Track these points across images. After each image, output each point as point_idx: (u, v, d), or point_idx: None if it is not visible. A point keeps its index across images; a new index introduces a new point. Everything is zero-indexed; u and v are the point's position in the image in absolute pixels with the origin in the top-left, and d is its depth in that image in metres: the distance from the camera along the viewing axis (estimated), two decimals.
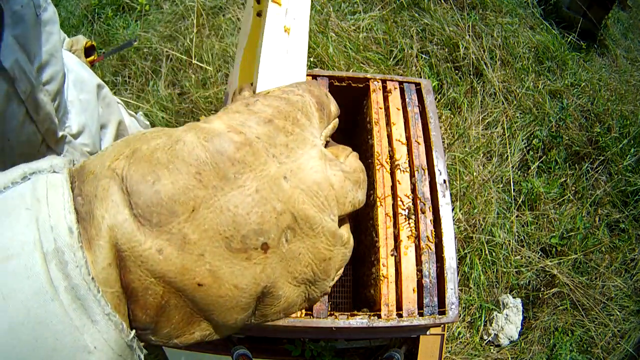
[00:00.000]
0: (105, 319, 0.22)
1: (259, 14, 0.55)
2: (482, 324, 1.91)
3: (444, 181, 1.18)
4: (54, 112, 0.92)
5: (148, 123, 1.43)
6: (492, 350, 1.89)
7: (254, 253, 0.22)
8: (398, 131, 1.25)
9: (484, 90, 2.43)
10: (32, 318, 0.21)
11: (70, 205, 0.22)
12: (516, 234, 2.07)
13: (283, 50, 0.32)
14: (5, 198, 0.23)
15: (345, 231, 0.28)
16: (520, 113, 2.41)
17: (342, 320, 0.98)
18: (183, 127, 0.25)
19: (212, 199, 0.21)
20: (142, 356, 0.25)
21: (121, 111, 1.26)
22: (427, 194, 1.16)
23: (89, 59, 1.47)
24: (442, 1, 2.72)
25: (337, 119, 0.29)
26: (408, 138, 1.24)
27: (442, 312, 1.03)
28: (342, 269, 0.28)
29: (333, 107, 0.29)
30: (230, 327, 0.27)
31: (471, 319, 1.93)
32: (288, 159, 0.23)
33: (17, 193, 0.23)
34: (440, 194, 1.16)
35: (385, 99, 1.31)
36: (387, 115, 1.28)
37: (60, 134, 0.96)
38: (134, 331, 0.24)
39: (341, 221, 0.27)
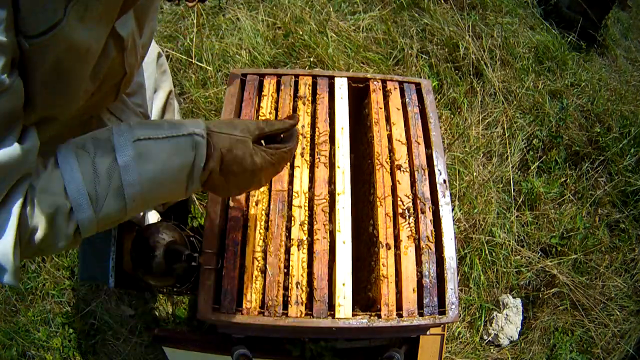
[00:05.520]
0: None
1: None
2: (482, 324, 1.91)
3: (444, 181, 1.18)
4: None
5: (179, 106, 1.53)
6: (492, 350, 1.89)
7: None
8: (398, 131, 1.25)
9: (484, 90, 2.42)
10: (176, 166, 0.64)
11: (205, 151, 0.65)
12: (516, 234, 2.07)
13: None
14: (180, 141, 0.64)
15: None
16: (520, 113, 2.41)
17: (342, 320, 0.98)
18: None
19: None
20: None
21: (171, 82, 1.32)
22: (427, 194, 1.16)
23: None
24: (442, 1, 2.72)
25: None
26: (408, 138, 1.24)
27: (442, 312, 1.03)
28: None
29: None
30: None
31: (471, 319, 1.93)
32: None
33: (185, 140, 0.64)
34: (440, 194, 1.15)
35: (385, 98, 1.30)
36: (387, 115, 1.27)
37: None
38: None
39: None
